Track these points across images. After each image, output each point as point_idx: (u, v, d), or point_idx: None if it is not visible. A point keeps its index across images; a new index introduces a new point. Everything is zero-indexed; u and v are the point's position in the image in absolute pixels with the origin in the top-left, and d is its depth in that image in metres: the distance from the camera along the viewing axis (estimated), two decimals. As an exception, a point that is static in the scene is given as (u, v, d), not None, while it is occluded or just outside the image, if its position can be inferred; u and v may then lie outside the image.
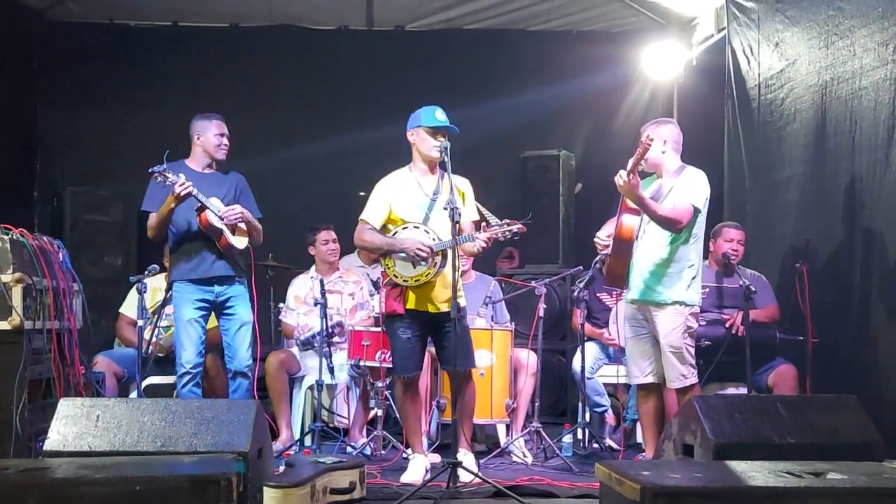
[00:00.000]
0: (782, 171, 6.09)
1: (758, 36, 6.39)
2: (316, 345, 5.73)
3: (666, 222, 4.72)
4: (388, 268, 4.87)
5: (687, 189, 4.78)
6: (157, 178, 5.01)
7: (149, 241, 5.54)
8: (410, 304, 4.84)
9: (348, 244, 7.20)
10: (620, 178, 4.63)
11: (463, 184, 4.97)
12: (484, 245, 4.73)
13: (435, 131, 4.83)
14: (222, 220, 5.18)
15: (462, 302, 4.91)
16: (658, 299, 4.80)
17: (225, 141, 5.37)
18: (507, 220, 4.71)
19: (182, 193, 4.99)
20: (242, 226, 5.29)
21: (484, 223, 4.85)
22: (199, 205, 5.10)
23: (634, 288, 4.89)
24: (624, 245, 4.88)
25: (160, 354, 5.93)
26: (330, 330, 5.79)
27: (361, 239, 5.01)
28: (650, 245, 4.84)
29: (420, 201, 4.85)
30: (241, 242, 5.29)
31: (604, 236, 5.03)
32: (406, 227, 4.85)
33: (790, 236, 5.93)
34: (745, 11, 6.55)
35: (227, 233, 5.21)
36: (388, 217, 4.92)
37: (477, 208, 5.03)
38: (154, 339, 5.84)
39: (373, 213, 4.94)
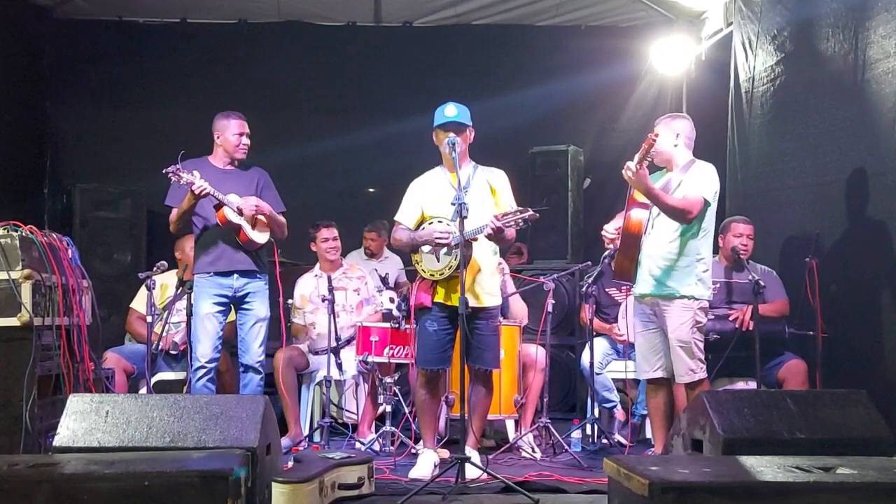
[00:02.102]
0: (775, 164, 6.07)
1: (758, 29, 6.37)
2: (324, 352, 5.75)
3: (675, 212, 4.71)
4: (417, 263, 4.94)
5: (697, 181, 4.77)
6: (171, 178, 5.06)
7: (170, 234, 5.67)
8: (438, 298, 4.86)
9: (354, 241, 7.26)
10: (628, 169, 4.62)
11: (495, 177, 4.98)
12: (491, 231, 4.65)
13: (445, 128, 4.85)
14: (241, 215, 5.21)
15: (492, 301, 4.92)
16: (667, 293, 4.78)
17: (244, 140, 5.40)
18: (520, 208, 4.69)
19: (198, 193, 5.05)
20: (263, 219, 5.32)
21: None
22: (217, 202, 5.15)
23: (643, 282, 4.88)
24: (632, 239, 4.87)
25: (172, 352, 5.95)
26: (338, 336, 5.78)
27: (394, 238, 5.10)
28: (659, 239, 4.82)
29: (451, 197, 4.73)
30: (261, 237, 5.32)
31: (611, 230, 5.01)
32: (431, 223, 4.89)
33: (792, 230, 5.91)
34: (749, 4, 6.54)
35: (247, 228, 5.24)
36: (422, 216, 4.97)
37: (496, 199, 4.95)
38: (166, 335, 5.86)
39: (405, 213, 5.02)
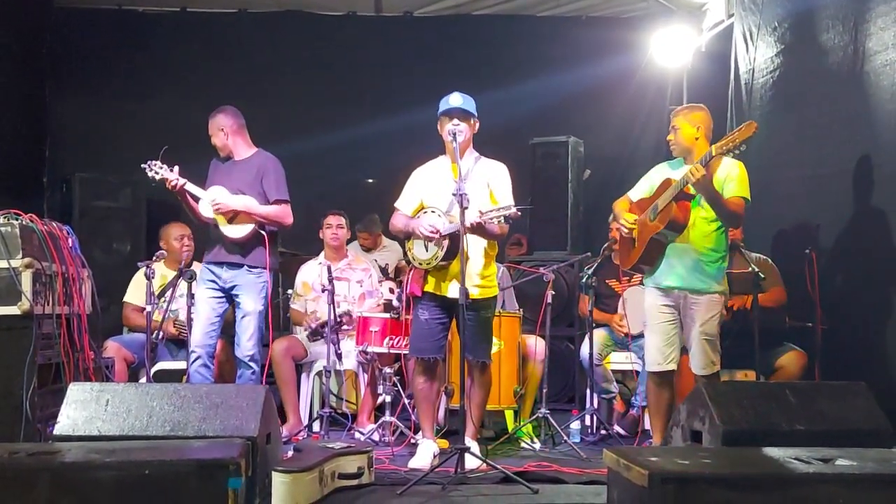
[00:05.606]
0: (775, 156, 6.07)
1: (759, 20, 6.38)
2: (325, 335, 5.73)
3: (732, 217, 4.71)
4: (409, 250, 4.94)
5: (740, 183, 4.71)
6: (147, 172, 5.27)
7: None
8: (429, 287, 4.86)
9: (352, 232, 7.25)
10: (698, 170, 4.47)
11: (494, 171, 4.95)
12: (472, 224, 4.56)
13: (448, 117, 4.85)
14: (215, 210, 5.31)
15: (483, 293, 4.89)
16: (700, 288, 4.74)
17: (213, 141, 5.48)
18: (503, 206, 4.61)
19: (171, 188, 5.27)
20: (245, 214, 5.32)
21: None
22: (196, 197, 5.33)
23: (673, 274, 4.80)
24: (678, 229, 4.74)
25: (173, 332, 5.96)
26: (338, 318, 5.79)
27: (391, 223, 5.10)
28: (697, 233, 4.76)
29: (449, 187, 4.71)
30: (236, 231, 5.32)
31: (630, 220, 4.92)
32: (425, 212, 4.88)
33: (791, 221, 5.92)
34: (751, -4, 6.55)
35: (220, 222, 5.32)
36: (421, 204, 4.96)
37: (490, 193, 4.91)
38: (166, 321, 5.87)
39: (405, 200, 5.03)
